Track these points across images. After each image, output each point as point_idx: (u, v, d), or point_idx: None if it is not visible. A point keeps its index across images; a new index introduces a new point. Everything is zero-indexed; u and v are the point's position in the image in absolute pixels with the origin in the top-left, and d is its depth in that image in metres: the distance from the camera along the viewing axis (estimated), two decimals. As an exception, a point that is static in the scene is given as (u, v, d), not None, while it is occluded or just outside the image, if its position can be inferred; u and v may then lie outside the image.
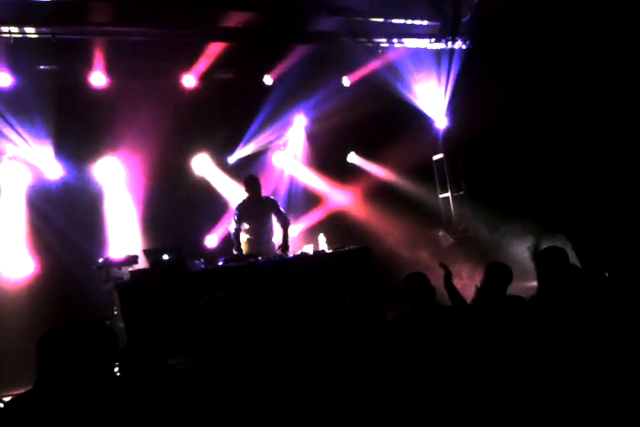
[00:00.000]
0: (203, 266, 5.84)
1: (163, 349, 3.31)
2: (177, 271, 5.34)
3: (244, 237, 6.69)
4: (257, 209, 6.68)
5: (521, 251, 7.07)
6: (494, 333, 3.57)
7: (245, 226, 6.66)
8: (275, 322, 5.16)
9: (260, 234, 6.67)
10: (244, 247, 6.64)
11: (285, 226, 6.69)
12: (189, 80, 7.69)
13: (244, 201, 6.77)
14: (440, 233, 8.34)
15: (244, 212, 6.66)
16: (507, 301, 3.90)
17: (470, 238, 8.41)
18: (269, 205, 6.79)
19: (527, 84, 7.38)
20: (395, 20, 7.38)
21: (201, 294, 4.46)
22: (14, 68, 6.62)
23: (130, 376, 3.10)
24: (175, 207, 7.44)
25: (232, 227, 6.68)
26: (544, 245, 3.93)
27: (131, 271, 5.54)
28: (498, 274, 3.94)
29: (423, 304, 3.73)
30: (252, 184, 6.67)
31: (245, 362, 2.97)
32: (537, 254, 3.91)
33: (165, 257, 5.45)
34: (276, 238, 6.76)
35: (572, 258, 3.84)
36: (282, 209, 6.85)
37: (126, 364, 3.18)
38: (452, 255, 7.82)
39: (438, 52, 8.06)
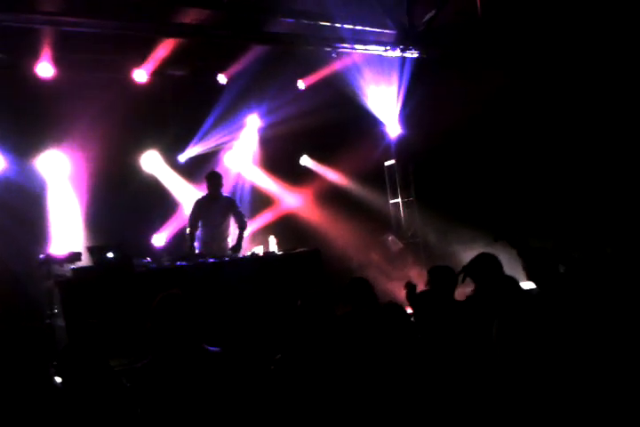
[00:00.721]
0: (154, 265, 5.71)
1: (103, 349, 3.21)
2: (123, 270, 5.19)
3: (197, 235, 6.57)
4: (215, 208, 6.59)
5: (468, 257, 7.24)
6: (441, 336, 3.59)
7: (200, 223, 6.54)
8: (223, 323, 5.14)
9: (216, 233, 6.57)
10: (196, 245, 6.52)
11: (243, 228, 6.62)
12: (141, 75, 7.52)
13: (203, 198, 6.66)
14: (389, 238, 8.43)
15: (202, 209, 6.55)
16: (456, 305, 3.93)
17: (419, 244, 8.52)
18: (229, 205, 6.69)
19: (478, 95, 7.56)
20: (351, 26, 7.42)
21: (146, 294, 4.37)
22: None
23: (68, 377, 2.98)
24: (122, 204, 7.22)
25: (189, 223, 6.55)
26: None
27: (73, 269, 5.35)
28: (441, 277, 3.97)
29: (364, 304, 3.73)
30: (213, 181, 6.58)
31: (197, 363, 2.92)
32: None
33: (110, 255, 5.29)
34: (231, 238, 6.65)
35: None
36: (240, 210, 6.76)
37: (65, 364, 3.06)
38: (401, 260, 7.92)
39: (393, 60, 8.15)
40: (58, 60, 6.90)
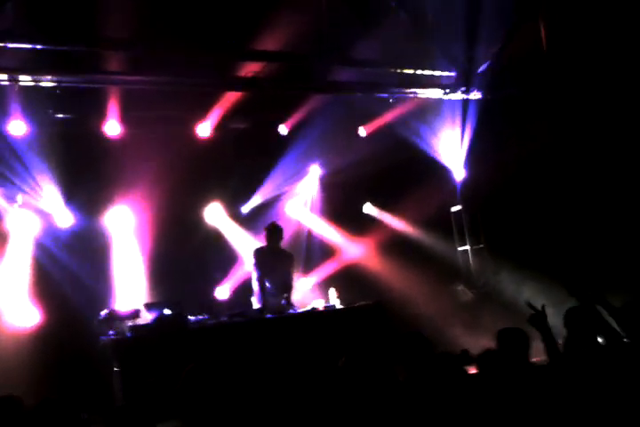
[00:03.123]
0: (211, 322, 5.59)
1: (154, 411, 3.09)
2: (177, 327, 5.10)
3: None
4: (276, 260, 6.42)
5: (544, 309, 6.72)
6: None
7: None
8: (276, 382, 4.91)
9: (276, 287, 6.35)
10: (254, 299, 6.34)
11: (290, 287, 6.43)
12: (204, 129, 7.66)
13: (262, 248, 6.49)
14: (459, 288, 8.00)
15: (264, 260, 6.36)
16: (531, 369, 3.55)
17: (491, 294, 8.04)
18: (289, 259, 6.55)
19: (547, 134, 7.19)
20: (409, 71, 7.32)
21: (200, 351, 4.22)
22: (28, 117, 6.63)
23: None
24: (186, 257, 7.24)
25: (256, 276, 6.32)
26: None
27: (130, 326, 5.32)
28: (511, 341, 3.61)
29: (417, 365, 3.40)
30: (274, 234, 6.44)
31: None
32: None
33: (166, 312, 5.23)
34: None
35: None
36: (293, 266, 6.61)
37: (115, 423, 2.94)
38: (471, 311, 7.48)
39: (455, 102, 7.95)
40: (124, 118, 7.11)
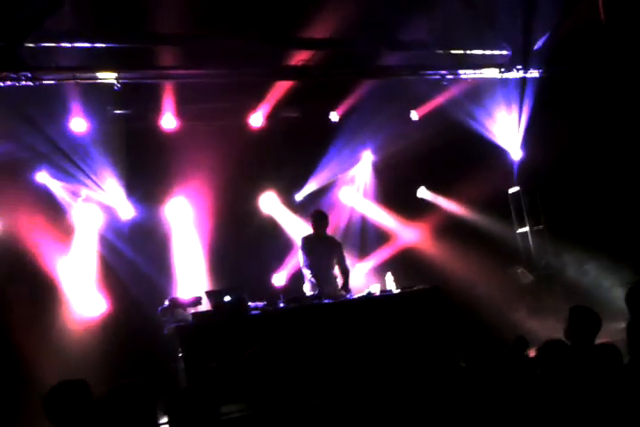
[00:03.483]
0: (269, 308, 5.68)
1: (217, 395, 3.17)
2: (238, 313, 5.22)
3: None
4: (324, 247, 6.45)
5: (610, 290, 6.53)
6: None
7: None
8: (335, 371, 4.96)
9: (326, 274, 6.39)
10: (306, 286, 6.42)
11: (345, 271, 6.43)
12: (257, 119, 7.75)
13: (310, 236, 6.53)
14: (519, 270, 7.83)
15: (311, 248, 6.42)
16: (596, 350, 3.46)
17: (553, 276, 7.84)
18: (336, 246, 6.57)
19: (608, 111, 6.91)
20: (462, 51, 7.17)
21: (260, 337, 4.28)
22: (89, 114, 6.88)
23: (176, 420, 2.95)
24: (243, 246, 7.40)
25: (305, 263, 6.35)
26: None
27: (193, 313, 5.48)
28: (584, 321, 3.52)
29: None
30: (320, 221, 6.47)
31: (297, 417, 2.76)
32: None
33: (227, 298, 5.35)
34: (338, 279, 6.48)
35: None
36: (343, 253, 6.60)
37: (178, 407, 3.05)
38: (532, 294, 7.33)
39: (511, 81, 7.74)
40: (179, 112, 7.29)
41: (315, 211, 6.78)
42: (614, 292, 6.33)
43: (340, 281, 6.41)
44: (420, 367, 2.93)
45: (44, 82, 5.92)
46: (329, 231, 6.74)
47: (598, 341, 3.56)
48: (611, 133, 7.05)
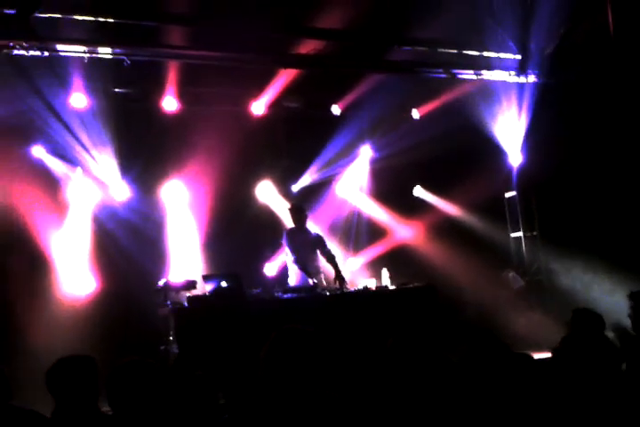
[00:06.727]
0: (265, 296, 5.64)
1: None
2: (236, 299, 5.16)
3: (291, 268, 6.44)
4: (306, 239, 6.46)
5: (599, 298, 6.60)
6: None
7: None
8: (337, 361, 4.93)
9: (311, 265, 6.38)
10: (292, 279, 6.40)
11: (332, 258, 6.40)
12: (258, 107, 7.68)
13: (292, 229, 6.56)
14: (510, 274, 7.88)
15: (295, 240, 6.43)
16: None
17: (542, 282, 7.91)
18: (317, 236, 6.57)
19: (608, 121, 6.98)
20: (470, 52, 7.19)
21: (258, 325, 4.21)
22: (89, 90, 6.75)
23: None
24: (237, 233, 7.31)
25: (291, 255, 6.39)
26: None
27: (188, 297, 5.41)
28: (587, 322, 3.54)
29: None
30: (299, 213, 6.50)
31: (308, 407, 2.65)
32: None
33: (224, 284, 5.29)
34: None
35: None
36: (326, 242, 6.58)
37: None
38: (522, 299, 7.38)
39: (515, 85, 7.77)
40: (181, 95, 7.20)
41: (292, 204, 6.82)
42: (603, 299, 6.42)
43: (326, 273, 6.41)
44: (412, 361, 2.89)
45: (53, 53, 5.79)
46: (325, 224, 6.73)
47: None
48: (611, 145, 7.11)
